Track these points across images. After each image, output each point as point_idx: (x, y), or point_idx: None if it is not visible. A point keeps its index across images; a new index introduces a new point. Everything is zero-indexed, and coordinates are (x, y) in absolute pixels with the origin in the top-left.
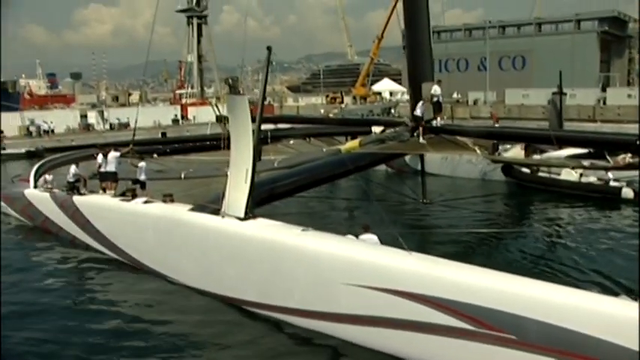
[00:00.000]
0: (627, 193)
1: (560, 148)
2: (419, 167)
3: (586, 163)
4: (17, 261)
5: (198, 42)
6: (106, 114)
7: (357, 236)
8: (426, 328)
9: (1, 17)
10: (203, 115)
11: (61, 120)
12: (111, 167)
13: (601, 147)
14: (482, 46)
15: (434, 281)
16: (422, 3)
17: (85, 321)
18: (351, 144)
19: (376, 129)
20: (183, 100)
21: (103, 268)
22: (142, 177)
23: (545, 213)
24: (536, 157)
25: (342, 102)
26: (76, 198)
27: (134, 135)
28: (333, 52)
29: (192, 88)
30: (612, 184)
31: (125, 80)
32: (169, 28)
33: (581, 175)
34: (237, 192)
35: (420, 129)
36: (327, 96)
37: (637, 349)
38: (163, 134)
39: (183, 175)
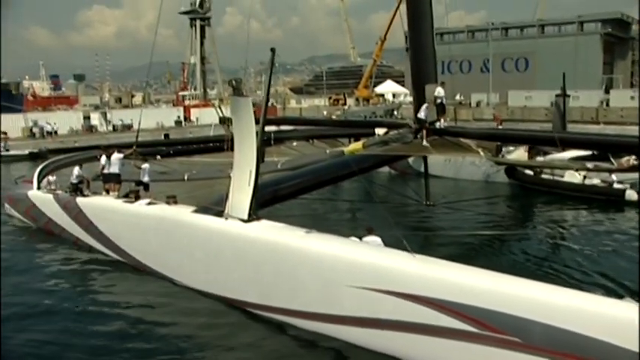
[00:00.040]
0: (631, 195)
1: (564, 150)
2: (422, 169)
3: (590, 165)
4: (20, 262)
5: (201, 44)
6: (109, 115)
7: (360, 238)
8: (430, 330)
9: (1, 18)
10: (206, 117)
11: (64, 121)
12: (114, 169)
13: (605, 149)
14: (485, 47)
15: (438, 283)
16: (425, 5)
17: (87, 323)
18: (355, 146)
19: (379, 131)
20: (186, 102)
21: (106, 270)
22: (145, 178)
23: (549, 215)
24: (540, 159)
25: (344, 104)
26: (80, 199)
27: (137, 136)
28: (336, 53)
29: (195, 89)
30: (616, 186)
31: (128, 82)
32: (172, 30)
33: (584, 177)
34: (241, 194)
35: (424, 131)
36: (330, 98)
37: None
38: (166, 136)
39: (186, 177)
